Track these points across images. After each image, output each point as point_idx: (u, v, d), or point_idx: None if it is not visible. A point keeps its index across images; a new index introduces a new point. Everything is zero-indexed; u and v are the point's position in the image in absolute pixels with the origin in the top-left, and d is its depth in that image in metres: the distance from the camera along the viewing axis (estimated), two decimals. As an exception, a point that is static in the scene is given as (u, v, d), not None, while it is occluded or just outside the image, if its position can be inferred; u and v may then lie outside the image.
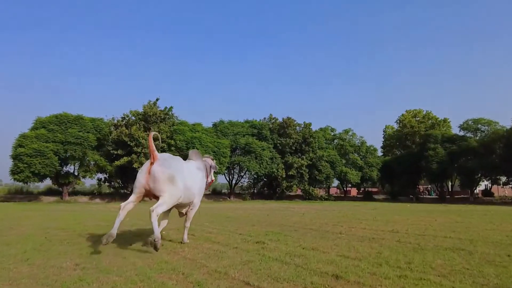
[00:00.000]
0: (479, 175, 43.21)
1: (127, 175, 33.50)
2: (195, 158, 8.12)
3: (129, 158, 31.65)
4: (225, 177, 42.74)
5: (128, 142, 31.96)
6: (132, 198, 6.81)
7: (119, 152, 32.54)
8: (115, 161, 32.30)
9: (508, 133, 38.78)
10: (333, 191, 58.61)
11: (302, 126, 43.73)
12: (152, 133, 7.38)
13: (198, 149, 33.67)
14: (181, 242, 7.64)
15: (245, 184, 44.98)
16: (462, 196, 49.15)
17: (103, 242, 6.23)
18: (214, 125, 41.17)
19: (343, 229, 10.63)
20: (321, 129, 49.92)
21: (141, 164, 30.62)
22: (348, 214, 17.57)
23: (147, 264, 5.63)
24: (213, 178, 8.85)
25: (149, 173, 6.56)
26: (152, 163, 6.63)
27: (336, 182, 50.78)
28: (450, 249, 7.09)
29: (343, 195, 52.67)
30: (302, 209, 22.77)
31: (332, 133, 51.16)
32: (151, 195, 6.81)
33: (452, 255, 6.45)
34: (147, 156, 32.03)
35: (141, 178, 6.66)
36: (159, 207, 6.40)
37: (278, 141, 41.69)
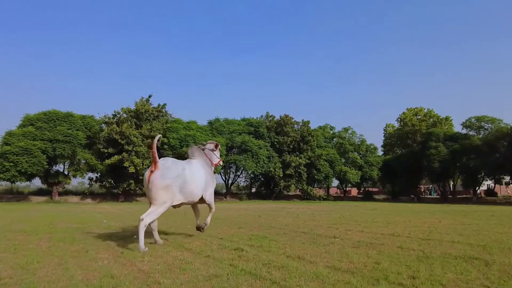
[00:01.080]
0: (482, 174, 42.01)
1: (118, 175, 32.43)
2: (197, 155, 8.18)
3: (120, 157, 30.55)
4: (221, 177, 41.63)
5: (119, 140, 30.87)
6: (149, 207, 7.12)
7: (110, 150, 31.47)
8: (106, 160, 31.21)
9: (513, 131, 37.62)
10: (333, 191, 57.46)
11: (301, 124, 42.59)
12: (157, 137, 7.41)
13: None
14: (203, 226, 8.36)
15: (242, 183, 43.89)
16: (464, 196, 48.01)
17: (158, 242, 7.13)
18: (210, 123, 40.03)
19: (338, 233, 9.54)
20: (320, 127, 48.76)
21: (132, 163, 29.73)
22: (345, 215, 16.48)
23: (88, 278, 4.54)
24: (220, 159, 8.92)
25: (149, 181, 6.78)
26: (152, 171, 6.82)
27: (336, 182, 49.62)
28: (461, 258, 5.97)
29: (342, 195, 51.50)
30: (298, 210, 21.75)
31: (331, 132, 50.00)
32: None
33: (465, 266, 5.33)
34: (138, 154, 31.04)
35: (145, 186, 7.02)
36: (148, 216, 6.69)
37: (276, 140, 40.56)
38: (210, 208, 8.30)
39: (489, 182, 49.91)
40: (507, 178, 43.75)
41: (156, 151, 6.98)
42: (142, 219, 6.60)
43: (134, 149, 30.72)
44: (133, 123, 32.65)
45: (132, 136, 30.80)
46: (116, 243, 7.59)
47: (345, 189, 52.10)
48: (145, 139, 32.01)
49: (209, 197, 8.05)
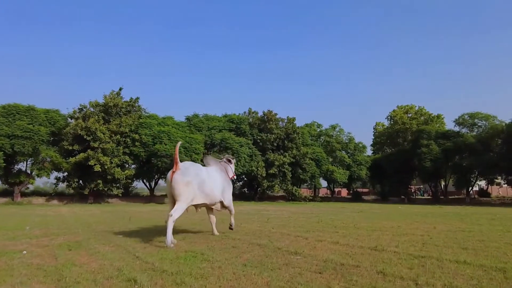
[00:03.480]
0: (476, 174, 40.07)
1: (86, 174, 29.81)
2: (212, 163, 9.00)
3: (86, 155, 27.98)
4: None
5: (85, 137, 28.28)
6: (170, 207, 7.62)
7: (75, 147, 28.90)
8: (70, 158, 28.64)
9: (508, 128, 35.58)
10: (323, 191, 55.26)
11: (286, 121, 40.17)
12: (179, 143, 8.21)
13: (166, 144, 30.32)
14: (230, 227, 9.28)
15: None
16: (456, 196, 46.14)
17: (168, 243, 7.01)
18: (188, 119, 37.38)
19: (304, 245, 7.32)
20: (306, 125, 46.37)
21: (98, 161, 27.47)
22: (325, 220, 14.20)
23: None
24: (234, 173, 9.55)
25: (172, 180, 7.37)
26: (173, 172, 7.43)
27: (326, 183, 47.28)
28: (478, 297, 3.70)
29: (330, 196, 49.26)
30: (275, 213, 19.59)
31: (318, 129, 47.60)
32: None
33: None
34: (105, 152, 28.55)
35: (168, 186, 7.63)
36: (176, 212, 7.21)
37: (259, 137, 38.08)
38: (230, 211, 9.07)
39: (481, 182, 48.12)
40: (500, 179, 42.04)
41: (178, 154, 7.64)
42: (171, 215, 7.12)
43: (101, 146, 28.10)
44: (100, 118, 29.99)
45: (98, 132, 28.16)
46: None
47: (333, 189, 49.86)
48: (113, 135, 29.41)
49: (228, 201, 8.79)
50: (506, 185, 43.49)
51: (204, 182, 7.79)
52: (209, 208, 8.79)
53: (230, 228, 9.28)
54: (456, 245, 7.32)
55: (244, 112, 40.72)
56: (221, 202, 8.61)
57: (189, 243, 7.76)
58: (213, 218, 9.07)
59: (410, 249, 6.79)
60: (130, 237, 8.63)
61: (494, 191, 51.26)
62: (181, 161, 7.80)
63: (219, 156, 10.35)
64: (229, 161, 9.59)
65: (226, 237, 8.65)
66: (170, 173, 7.58)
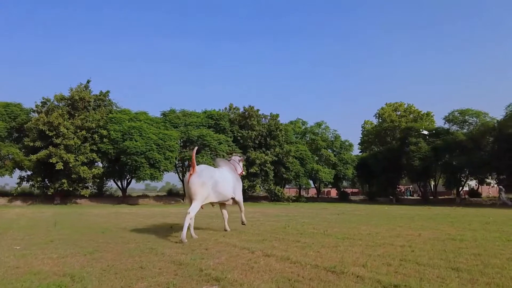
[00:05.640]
0: (466, 173, 38.46)
1: (51, 173, 27.57)
2: (223, 165, 9.77)
3: (48, 152, 25.79)
4: (178, 176, 36.81)
5: (47, 132, 26.07)
6: (189, 205, 8.50)
7: (37, 144, 26.66)
8: (31, 155, 26.44)
9: (500, 126, 33.99)
10: (313, 192, 53.30)
11: (269, 117, 38.18)
12: (196, 149, 9.30)
13: (137, 141, 28.26)
14: (242, 223, 10.07)
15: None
16: (446, 197, 44.63)
17: (193, 237, 8.31)
18: (164, 114, 35.18)
19: (240, 264, 5.46)
20: (291, 122, 44.36)
21: (61, 158, 25.52)
22: (295, 224, 12.25)
23: None
24: (242, 170, 10.80)
25: (189, 182, 8.26)
26: (191, 174, 8.30)
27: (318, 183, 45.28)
28: None
29: (316, 196, 47.39)
30: (248, 215, 17.45)
31: (303, 126, 45.57)
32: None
33: None
34: (69, 148, 26.35)
35: (186, 187, 8.62)
36: (192, 210, 8.08)
37: (239, 134, 36.03)
38: (240, 208, 9.88)
39: (472, 182, 46.63)
40: (490, 178, 40.55)
41: (195, 158, 8.69)
42: (189, 213, 8.00)
43: (64, 142, 25.91)
44: (65, 112, 27.75)
45: (61, 127, 25.95)
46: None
47: (319, 189, 47.90)
48: (78, 131, 27.19)
49: (239, 196, 9.62)
50: (497, 185, 42.01)
51: (217, 183, 8.54)
52: (222, 204, 9.62)
53: (243, 224, 10.05)
54: (445, 263, 5.45)
55: (225, 108, 38.64)
56: (233, 199, 9.43)
57: (90, 259, 5.83)
58: (225, 214, 9.87)
59: (381, 271, 4.91)
60: (28, 250, 6.73)
61: (485, 191, 49.86)
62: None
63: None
64: (239, 161, 10.64)
65: (151, 251, 6.71)
66: (187, 175, 8.42)
